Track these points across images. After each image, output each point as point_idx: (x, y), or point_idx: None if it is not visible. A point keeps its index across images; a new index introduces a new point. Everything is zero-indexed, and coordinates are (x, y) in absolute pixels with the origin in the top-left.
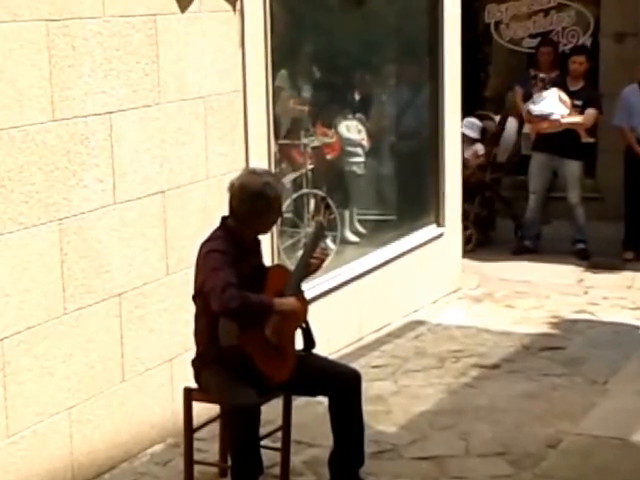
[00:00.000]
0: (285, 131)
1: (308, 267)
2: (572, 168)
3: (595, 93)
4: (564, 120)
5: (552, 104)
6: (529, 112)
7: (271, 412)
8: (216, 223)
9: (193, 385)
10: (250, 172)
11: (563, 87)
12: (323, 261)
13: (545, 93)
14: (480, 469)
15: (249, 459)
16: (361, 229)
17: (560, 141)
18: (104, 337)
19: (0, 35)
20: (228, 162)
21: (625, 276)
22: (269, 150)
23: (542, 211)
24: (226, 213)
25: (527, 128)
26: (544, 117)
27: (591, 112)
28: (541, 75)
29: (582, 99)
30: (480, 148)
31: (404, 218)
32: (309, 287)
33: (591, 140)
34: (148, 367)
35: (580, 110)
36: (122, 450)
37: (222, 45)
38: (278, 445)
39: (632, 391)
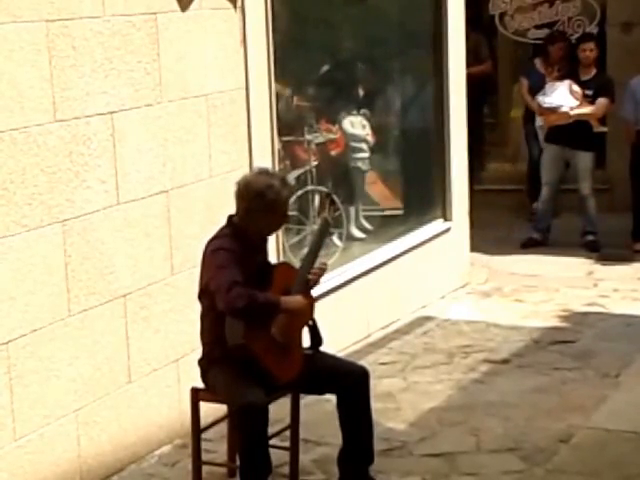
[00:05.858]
0: None
1: (314, 263)
2: (584, 159)
3: (607, 81)
4: (573, 112)
5: (562, 96)
6: (539, 104)
7: (279, 411)
8: (220, 221)
9: (200, 385)
10: (261, 171)
11: (575, 77)
12: (321, 276)
13: (557, 84)
14: (491, 465)
15: (257, 458)
16: (367, 225)
17: (572, 132)
18: (110, 338)
19: (0, 36)
20: (232, 160)
21: (636, 267)
22: (273, 147)
23: (554, 204)
24: (231, 211)
25: (539, 120)
26: (553, 109)
27: (602, 102)
28: (557, 66)
29: (593, 88)
30: None
31: (410, 213)
32: None
33: (605, 129)
34: (154, 368)
35: (591, 100)
36: (130, 452)
37: (224, 42)
38: (287, 444)
39: None
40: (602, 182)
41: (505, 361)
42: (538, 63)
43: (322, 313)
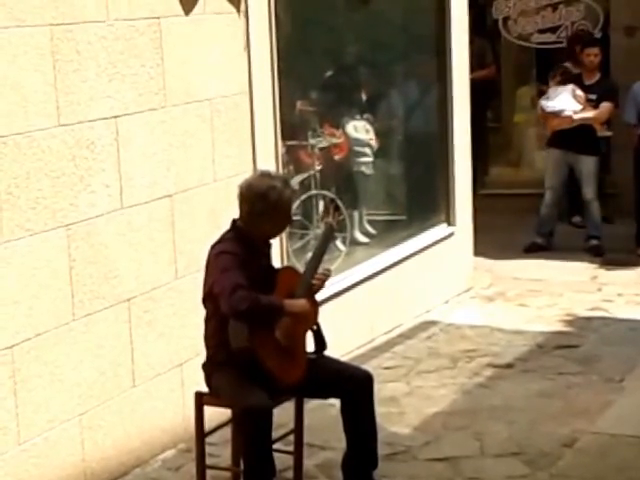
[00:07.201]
0: None
1: (318, 268)
2: (587, 164)
3: (611, 85)
4: (576, 116)
5: (565, 100)
6: (542, 109)
7: (283, 415)
8: (224, 226)
9: (204, 389)
10: (263, 174)
11: (578, 82)
12: (325, 281)
13: (560, 88)
14: (495, 469)
15: (261, 461)
16: (371, 230)
17: (575, 137)
18: (114, 343)
19: (4, 41)
20: (235, 164)
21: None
22: (276, 151)
23: (557, 208)
24: (234, 215)
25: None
26: (556, 114)
27: (605, 106)
28: (561, 70)
29: (597, 93)
30: None
31: (414, 218)
32: None
33: (609, 134)
34: (158, 372)
35: (595, 104)
36: (134, 456)
37: (227, 47)
38: (291, 448)
39: None
40: (608, 186)
41: (509, 365)
42: (569, 67)
43: (326, 317)
